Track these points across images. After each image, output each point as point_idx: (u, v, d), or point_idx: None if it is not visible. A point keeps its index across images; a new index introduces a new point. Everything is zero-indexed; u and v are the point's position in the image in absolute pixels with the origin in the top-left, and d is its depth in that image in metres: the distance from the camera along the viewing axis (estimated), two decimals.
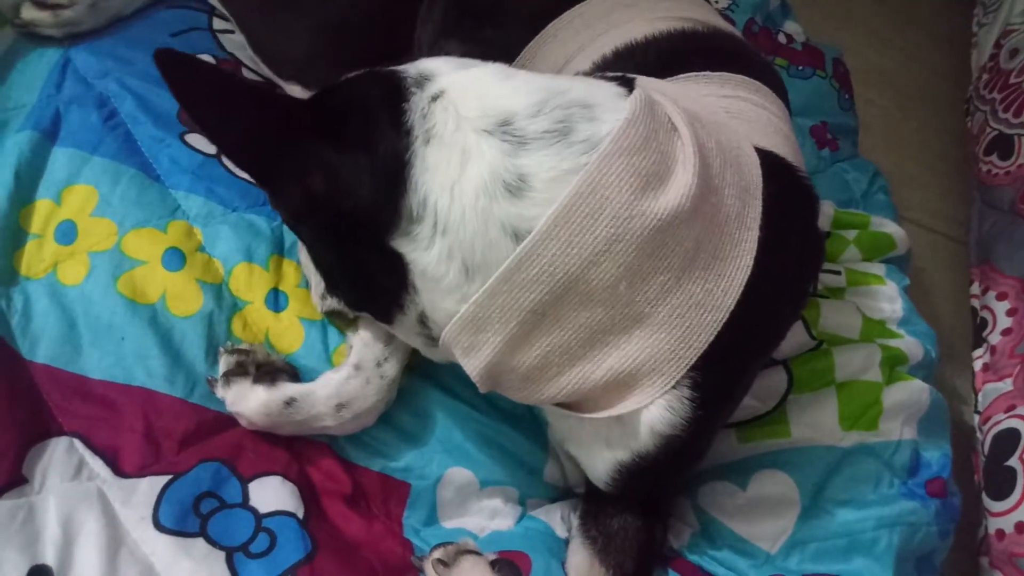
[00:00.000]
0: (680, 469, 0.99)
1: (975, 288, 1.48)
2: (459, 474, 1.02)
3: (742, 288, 0.82)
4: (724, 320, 0.81)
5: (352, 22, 1.21)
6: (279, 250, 1.13)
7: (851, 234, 1.36)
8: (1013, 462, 1.16)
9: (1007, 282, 1.40)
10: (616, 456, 0.89)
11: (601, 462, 0.91)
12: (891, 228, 1.39)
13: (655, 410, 0.83)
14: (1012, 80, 1.60)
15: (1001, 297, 1.40)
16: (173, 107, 1.20)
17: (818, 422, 1.08)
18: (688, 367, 0.81)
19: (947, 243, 1.72)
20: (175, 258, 1.07)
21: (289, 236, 1.15)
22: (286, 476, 0.96)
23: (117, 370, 0.98)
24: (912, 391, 1.11)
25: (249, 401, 0.96)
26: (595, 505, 1.01)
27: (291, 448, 0.99)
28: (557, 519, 1.04)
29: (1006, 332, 1.35)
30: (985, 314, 1.42)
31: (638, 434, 0.85)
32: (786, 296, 0.95)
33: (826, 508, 1.03)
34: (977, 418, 1.30)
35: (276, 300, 1.10)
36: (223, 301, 1.07)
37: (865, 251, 1.35)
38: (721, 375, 0.85)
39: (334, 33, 1.22)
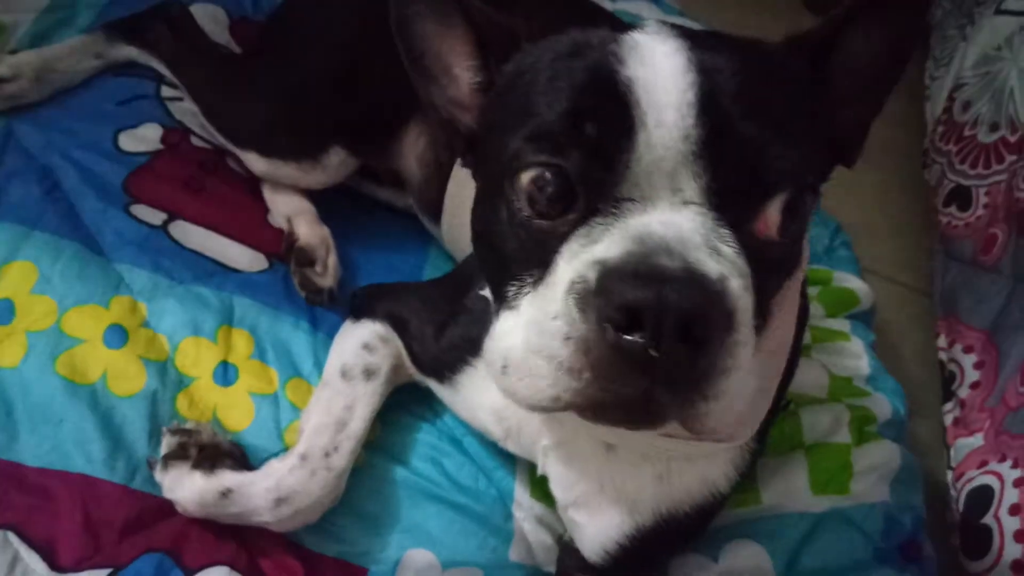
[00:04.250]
0: (693, 537, 0.96)
1: (942, 341, 1.47)
2: (419, 556, 0.98)
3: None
4: (786, 361, 0.80)
5: (311, 87, 1.19)
6: (228, 321, 1.10)
7: (814, 291, 1.35)
8: (988, 520, 1.15)
9: (972, 334, 1.39)
10: (637, 521, 0.86)
11: (613, 529, 0.87)
12: (854, 283, 1.38)
13: (719, 466, 0.82)
14: (967, 132, 1.61)
15: (968, 350, 1.39)
16: (118, 178, 1.18)
17: (789, 487, 1.06)
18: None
19: (912, 295, 1.71)
20: (117, 335, 1.03)
21: (239, 306, 1.11)
22: (233, 567, 0.91)
23: (54, 456, 0.94)
24: (882, 452, 1.09)
25: (184, 488, 0.91)
26: None
27: (240, 535, 0.94)
28: None
29: (975, 385, 1.34)
30: (953, 367, 1.41)
31: (683, 491, 0.83)
32: (798, 344, 0.93)
33: None
34: (951, 474, 1.29)
35: (225, 374, 1.06)
36: (168, 378, 1.03)
37: (829, 307, 1.34)
38: (766, 426, 0.83)
39: (292, 100, 1.19)
